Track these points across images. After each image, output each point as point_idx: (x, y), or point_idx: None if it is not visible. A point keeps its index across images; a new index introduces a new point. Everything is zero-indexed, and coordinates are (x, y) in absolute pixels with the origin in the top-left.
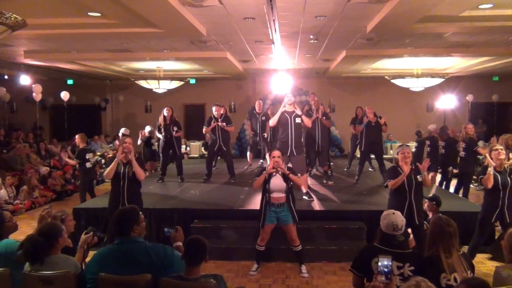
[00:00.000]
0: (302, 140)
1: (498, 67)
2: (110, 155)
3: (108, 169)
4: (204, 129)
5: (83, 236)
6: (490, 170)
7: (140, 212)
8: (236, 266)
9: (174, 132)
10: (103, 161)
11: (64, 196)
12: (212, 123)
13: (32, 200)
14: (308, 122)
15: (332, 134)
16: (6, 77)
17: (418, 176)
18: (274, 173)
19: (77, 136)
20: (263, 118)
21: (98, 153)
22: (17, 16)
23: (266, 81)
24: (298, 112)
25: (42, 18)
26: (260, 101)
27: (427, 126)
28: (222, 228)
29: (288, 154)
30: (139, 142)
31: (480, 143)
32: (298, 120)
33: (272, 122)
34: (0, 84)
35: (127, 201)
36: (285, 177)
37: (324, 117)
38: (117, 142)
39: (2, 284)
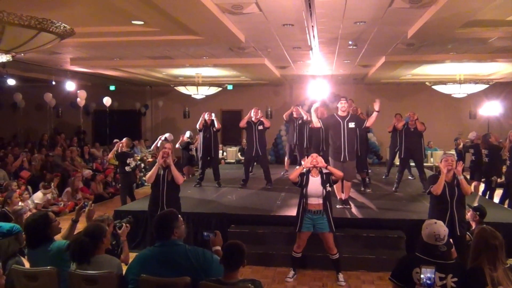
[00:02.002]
0: (355, 145)
1: None
2: (150, 160)
3: (149, 173)
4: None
5: (124, 229)
6: None
7: (179, 216)
8: (273, 272)
9: (216, 125)
10: (142, 165)
11: (105, 199)
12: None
13: (75, 202)
14: (370, 121)
15: (370, 141)
16: (53, 83)
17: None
18: (312, 168)
19: (123, 140)
20: (300, 122)
21: (138, 157)
22: (66, 25)
23: (303, 87)
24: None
25: (88, 26)
26: (297, 106)
27: (468, 134)
28: (259, 233)
29: (341, 160)
30: (177, 146)
31: None
32: (351, 124)
33: (313, 123)
34: (47, 90)
35: (166, 204)
36: (323, 180)
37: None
38: (153, 146)
39: (50, 282)
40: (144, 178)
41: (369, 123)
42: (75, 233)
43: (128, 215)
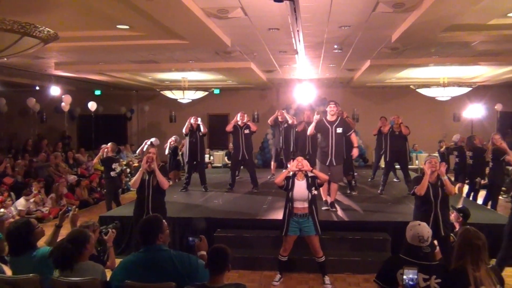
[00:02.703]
0: (342, 150)
1: None
2: (136, 164)
3: (134, 178)
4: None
5: (110, 234)
6: None
7: (164, 220)
8: (259, 276)
9: (202, 130)
10: (128, 170)
11: (90, 204)
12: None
13: (59, 208)
14: (351, 124)
15: None
16: (37, 88)
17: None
18: (297, 171)
19: (109, 145)
20: (285, 125)
21: (124, 162)
22: (49, 30)
23: (289, 90)
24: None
25: (73, 31)
26: (283, 111)
27: (452, 136)
28: (245, 237)
29: (327, 164)
30: (167, 151)
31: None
32: (339, 130)
33: (309, 131)
34: (31, 95)
35: (152, 209)
36: (309, 183)
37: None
38: (138, 151)
39: None
40: (129, 183)
41: (353, 139)
42: (59, 239)
43: (114, 221)
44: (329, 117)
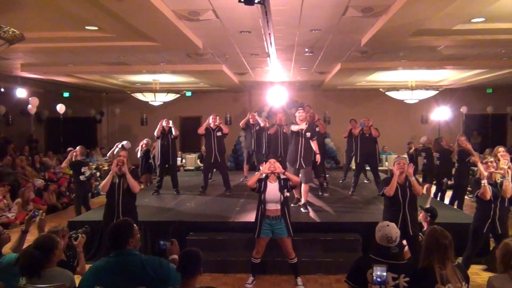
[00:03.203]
0: (311, 153)
1: (491, 79)
2: (106, 168)
3: (103, 182)
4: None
5: (80, 239)
6: (484, 182)
7: (135, 224)
8: (232, 279)
9: (174, 132)
10: (98, 174)
11: (59, 209)
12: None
13: (26, 213)
14: (322, 127)
15: (328, 146)
16: (2, 90)
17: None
18: (270, 174)
19: (78, 148)
20: (257, 128)
21: (93, 166)
22: (15, 30)
23: (262, 93)
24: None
25: (40, 31)
26: (254, 114)
27: (421, 138)
28: (218, 240)
29: (297, 167)
30: (139, 154)
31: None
32: (308, 134)
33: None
34: None
35: (122, 214)
36: (281, 185)
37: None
38: (109, 154)
39: None
40: (99, 187)
41: (315, 145)
42: (25, 245)
43: (84, 226)
44: (298, 122)
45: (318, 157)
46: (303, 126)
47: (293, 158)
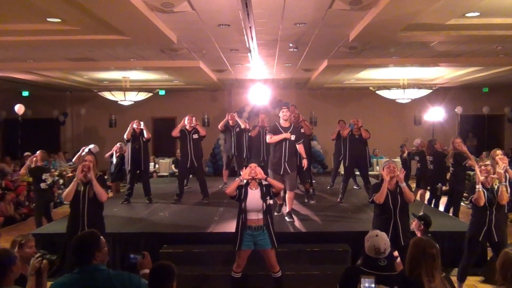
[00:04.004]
0: (296, 157)
1: (487, 77)
2: (69, 175)
3: (67, 190)
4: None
5: (32, 262)
6: (479, 187)
7: (102, 237)
8: None
9: (145, 135)
10: (61, 181)
11: (17, 221)
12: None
13: None
14: (307, 128)
15: (314, 149)
16: None
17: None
18: (250, 180)
19: (38, 153)
20: (237, 130)
21: (56, 172)
22: None
23: (242, 92)
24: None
25: None
26: (233, 114)
27: (414, 141)
28: (195, 253)
29: (281, 173)
30: (114, 160)
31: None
32: (292, 137)
33: (272, 140)
34: None
35: (88, 225)
36: (263, 192)
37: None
38: (74, 159)
39: None
40: (62, 196)
41: (301, 149)
42: None
43: (52, 253)
44: (282, 123)
45: (305, 162)
46: (287, 134)
47: (277, 163)
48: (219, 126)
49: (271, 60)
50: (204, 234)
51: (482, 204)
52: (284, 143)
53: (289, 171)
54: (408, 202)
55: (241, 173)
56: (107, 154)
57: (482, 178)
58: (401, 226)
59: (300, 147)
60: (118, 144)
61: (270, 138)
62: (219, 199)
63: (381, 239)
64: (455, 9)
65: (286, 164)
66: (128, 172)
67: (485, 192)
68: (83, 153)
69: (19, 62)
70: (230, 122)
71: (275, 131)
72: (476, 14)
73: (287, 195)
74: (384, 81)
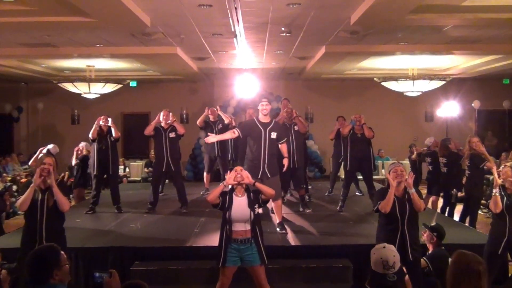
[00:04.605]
0: (276, 159)
1: (508, 67)
2: (24, 180)
3: (22, 198)
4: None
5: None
6: (496, 192)
7: (62, 252)
8: None
9: (114, 133)
10: (14, 187)
11: None
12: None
13: None
14: (302, 126)
15: (310, 150)
16: None
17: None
18: (236, 186)
19: None
20: (220, 126)
21: (8, 178)
22: None
23: (227, 83)
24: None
25: None
26: (214, 108)
27: (425, 139)
28: (171, 271)
29: (259, 177)
30: (74, 162)
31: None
32: (273, 135)
33: (207, 140)
34: None
35: (46, 238)
36: (251, 200)
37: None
38: (31, 162)
39: None
40: (16, 205)
41: (284, 149)
42: None
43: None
44: (261, 118)
45: (285, 162)
46: (273, 135)
47: (254, 166)
48: (197, 122)
49: (260, 46)
50: (183, 248)
51: (498, 211)
52: (263, 142)
53: (269, 176)
54: (417, 210)
55: (226, 177)
56: (73, 159)
57: (499, 181)
58: (409, 239)
59: (282, 147)
60: (81, 144)
61: (206, 138)
62: (200, 208)
63: (390, 251)
64: None
65: (265, 167)
66: (94, 177)
67: (505, 197)
68: (41, 155)
69: None
70: (211, 117)
71: (252, 127)
72: None
73: (273, 205)
74: (391, 71)
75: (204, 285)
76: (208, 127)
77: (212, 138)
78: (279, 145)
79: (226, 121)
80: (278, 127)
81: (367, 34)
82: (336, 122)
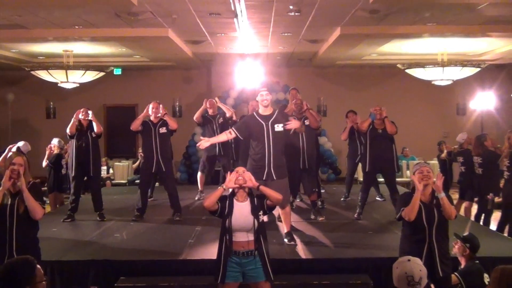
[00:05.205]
0: (283, 156)
1: None
2: None
3: None
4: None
5: None
6: None
7: (39, 266)
8: None
9: (95, 129)
10: None
11: None
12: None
13: None
14: (314, 120)
15: (323, 148)
16: None
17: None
18: (237, 189)
19: None
20: (221, 120)
21: None
22: None
23: (226, 71)
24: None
25: None
26: (213, 100)
27: (457, 136)
28: (162, 287)
29: (264, 179)
30: (44, 163)
31: None
32: (278, 127)
33: (200, 146)
34: None
35: (17, 250)
36: (254, 205)
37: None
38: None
39: None
40: None
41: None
42: None
43: None
44: (261, 110)
45: (294, 122)
46: (278, 127)
47: (258, 166)
48: (194, 118)
49: (264, 28)
50: (175, 262)
51: None
52: (266, 137)
53: (275, 177)
54: (448, 218)
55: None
56: (44, 159)
57: None
58: (438, 251)
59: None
60: (54, 141)
61: (199, 143)
62: (195, 215)
63: (415, 264)
64: None
65: (271, 167)
66: (72, 179)
67: None
68: (10, 154)
69: None
70: (210, 111)
71: (251, 124)
72: None
73: (280, 213)
74: (417, 56)
75: None
76: (208, 122)
77: (205, 142)
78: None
79: (228, 114)
80: (283, 116)
81: (389, 13)
82: (347, 120)
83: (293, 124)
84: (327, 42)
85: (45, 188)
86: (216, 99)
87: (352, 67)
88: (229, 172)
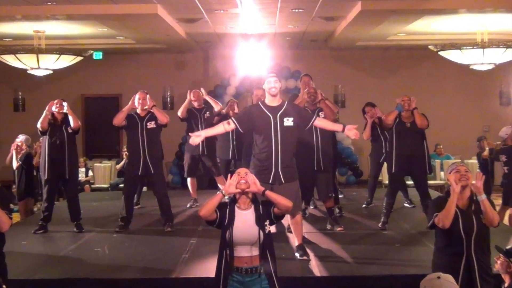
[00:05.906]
0: (293, 156)
1: None
2: None
3: None
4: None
5: None
6: None
7: (4, 286)
8: None
9: (72, 123)
10: None
11: None
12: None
13: None
14: (330, 112)
15: (342, 146)
16: None
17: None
18: (239, 195)
19: None
20: (207, 115)
21: None
22: None
23: (226, 55)
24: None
25: None
26: (198, 91)
27: (500, 130)
28: None
29: (270, 182)
30: (15, 163)
31: None
32: (288, 121)
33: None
34: None
35: None
36: (259, 213)
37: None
38: None
39: None
40: None
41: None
42: None
43: None
44: (269, 100)
45: (349, 129)
46: (288, 121)
47: (262, 168)
48: (179, 113)
49: (271, 3)
50: (167, 280)
51: None
52: (273, 133)
53: (284, 180)
54: (489, 224)
55: (219, 185)
56: (8, 157)
57: None
58: (477, 266)
59: (322, 122)
60: (20, 138)
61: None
62: (190, 226)
63: (446, 282)
64: None
65: (278, 168)
66: (45, 182)
67: None
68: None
69: None
70: (195, 103)
71: (256, 115)
72: None
73: (290, 222)
74: (452, 36)
75: None
76: (192, 117)
77: (197, 138)
78: (316, 122)
79: (216, 109)
80: (295, 110)
81: None
82: (365, 116)
83: (353, 133)
84: (345, 19)
85: (14, 192)
86: (202, 90)
87: (375, 50)
88: (229, 175)
